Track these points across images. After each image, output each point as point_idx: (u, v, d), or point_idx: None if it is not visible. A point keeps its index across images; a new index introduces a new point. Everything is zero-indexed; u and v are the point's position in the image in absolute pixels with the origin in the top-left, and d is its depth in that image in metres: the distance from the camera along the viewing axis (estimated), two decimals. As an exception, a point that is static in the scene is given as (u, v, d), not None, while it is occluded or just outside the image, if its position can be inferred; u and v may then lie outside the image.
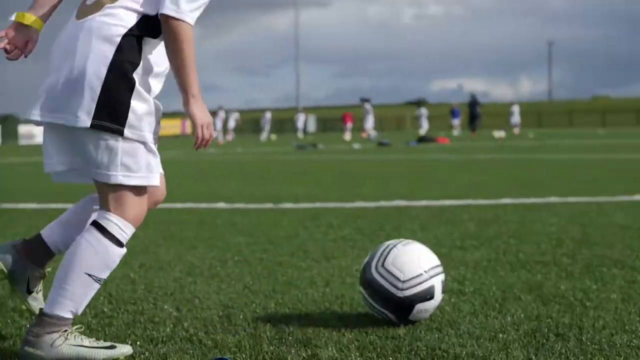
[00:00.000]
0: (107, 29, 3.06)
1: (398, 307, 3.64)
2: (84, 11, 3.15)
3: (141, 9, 3.10)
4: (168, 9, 3.03)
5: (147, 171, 3.13)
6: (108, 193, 3.15)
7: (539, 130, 64.73)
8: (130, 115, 3.05)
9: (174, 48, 3.06)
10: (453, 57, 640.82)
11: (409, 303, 3.62)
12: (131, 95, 3.06)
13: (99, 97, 3.00)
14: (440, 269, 3.77)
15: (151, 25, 3.12)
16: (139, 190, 3.18)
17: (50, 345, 3.13)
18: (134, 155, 3.09)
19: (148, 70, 3.16)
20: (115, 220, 3.14)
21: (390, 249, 3.71)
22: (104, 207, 3.17)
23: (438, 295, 3.69)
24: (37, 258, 3.41)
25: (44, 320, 3.15)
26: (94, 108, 3.00)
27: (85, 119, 3.01)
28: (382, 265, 3.67)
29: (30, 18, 3.28)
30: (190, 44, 3.07)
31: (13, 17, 3.27)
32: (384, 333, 3.63)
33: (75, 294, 3.13)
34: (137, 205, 3.19)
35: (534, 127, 76.47)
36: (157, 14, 3.08)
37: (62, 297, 3.13)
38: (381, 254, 3.72)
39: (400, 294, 3.61)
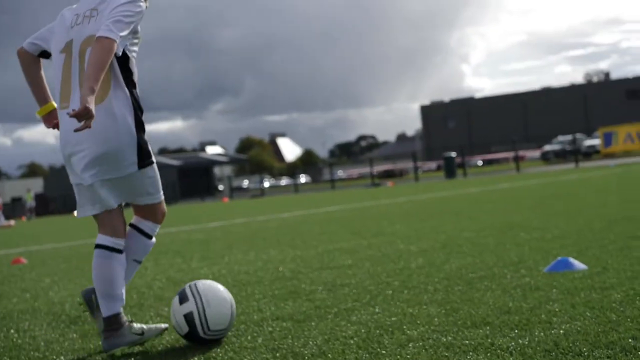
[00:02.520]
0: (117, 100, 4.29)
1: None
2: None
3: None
4: (104, 33, 4.11)
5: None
6: (148, 208, 4.57)
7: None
8: (151, 149, 4.39)
9: (96, 55, 4.03)
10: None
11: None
12: (144, 133, 4.36)
13: (137, 148, 4.30)
14: (230, 300, 4.54)
15: (129, 71, 4.36)
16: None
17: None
18: (155, 177, 4.49)
19: (142, 110, 4.40)
20: (154, 226, 4.67)
21: (203, 317, 4.38)
22: (146, 217, 4.60)
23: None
24: None
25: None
26: (137, 157, 4.31)
27: (134, 166, 4.33)
28: (209, 329, 4.39)
29: (46, 109, 4.67)
30: (108, 54, 4.07)
31: (39, 117, 4.65)
32: None
33: (131, 272, 4.60)
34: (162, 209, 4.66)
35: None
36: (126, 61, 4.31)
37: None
38: (198, 325, 4.38)
39: (227, 331, 4.52)
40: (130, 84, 4.35)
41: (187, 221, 20.50)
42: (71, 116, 3.88)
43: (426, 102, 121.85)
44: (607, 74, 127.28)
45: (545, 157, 62.57)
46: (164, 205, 4.66)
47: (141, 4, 4.31)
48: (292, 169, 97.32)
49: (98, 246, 4.44)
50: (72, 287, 7.94)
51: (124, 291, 4.42)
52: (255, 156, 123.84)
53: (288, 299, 5.81)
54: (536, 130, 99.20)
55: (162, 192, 4.58)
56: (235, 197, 57.56)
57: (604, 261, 6.20)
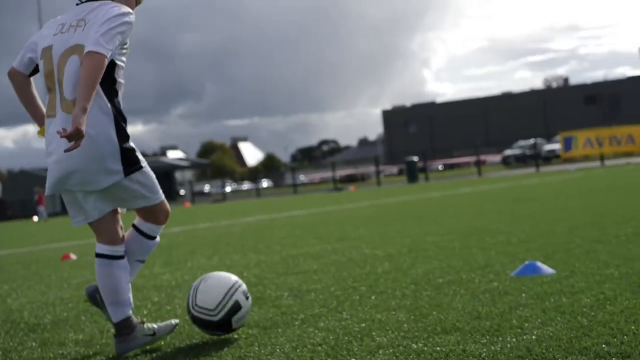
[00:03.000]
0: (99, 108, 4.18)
1: (220, 326, 4.54)
2: (68, 105, 4.18)
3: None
4: (94, 47, 4.04)
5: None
6: (147, 209, 4.49)
7: None
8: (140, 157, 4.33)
9: (87, 70, 3.97)
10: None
11: (227, 320, 4.53)
12: (129, 140, 4.28)
13: (121, 156, 4.22)
14: (237, 284, 4.63)
15: (113, 80, 4.27)
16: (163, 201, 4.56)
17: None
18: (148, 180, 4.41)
19: (126, 119, 4.33)
20: (152, 227, 4.58)
21: (196, 290, 4.61)
22: (147, 219, 4.55)
23: (245, 303, 4.60)
24: None
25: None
26: (121, 165, 4.23)
27: (119, 174, 4.24)
28: (196, 304, 4.56)
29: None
30: (99, 69, 4.00)
31: (41, 137, 4.47)
32: None
33: (134, 271, 4.62)
34: (162, 205, 4.55)
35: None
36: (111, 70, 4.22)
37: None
38: (190, 296, 4.63)
39: (216, 318, 4.52)
40: (112, 92, 4.26)
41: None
42: (62, 136, 3.83)
43: (388, 106, 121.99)
44: (566, 80, 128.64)
45: (506, 162, 63.04)
46: (166, 205, 4.58)
47: (131, 16, 4.24)
48: (254, 174, 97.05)
49: (98, 255, 4.42)
50: (31, 294, 7.76)
51: (130, 295, 4.41)
52: (216, 161, 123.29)
53: (253, 305, 5.69)
54: (497, 134, 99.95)
55: (160, 194, 4.50)
56: (196, 202, 57.22)
57: (571, 265, 6.18)
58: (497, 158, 70.08)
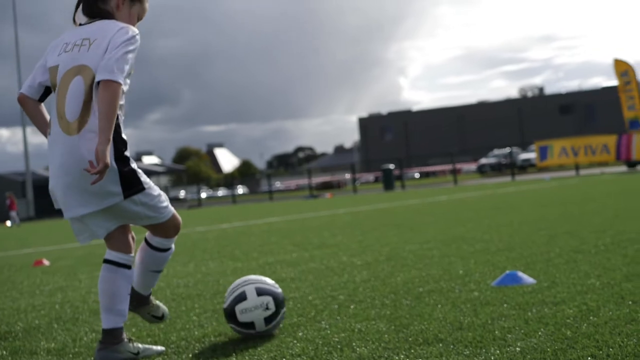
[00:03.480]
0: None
1: (229, 316, 4.67)
2: (67, 125, 4.14)
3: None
4: (110, 76, 4.00)
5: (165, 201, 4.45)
6: (156, 226, 4.47)
7: None
8: (142, 178, 4.24)
9: (105, 102, 3.96)
10: None
11: (232, 309, 4.65)
12: (129, 163, 4.17)
13: (120, 179, 4.12)
14: (255, 280, 4.76)
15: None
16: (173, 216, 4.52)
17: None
18: (151, 199, 4.32)
19: (126, 142, 4.22)
20: (163, 241, 4.59)
21: None
22: (155, 234, 4.55)
23: (253, 297, 4.64)
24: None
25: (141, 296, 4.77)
26: (120, 188, 4.13)
27: (119, 197, 4.16)
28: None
29: None
30: (116, 98, 3.99)
31: None
32: None
33: (146, 281, 4.67)
34: (172, 219, 4.51)
35: None
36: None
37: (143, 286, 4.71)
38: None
39: (225, 305, 4.74)
40: None
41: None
42: (92, 173, 3.90)
43: (364, 114, 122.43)
44: (541, 89, 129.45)
45: (482, 170, 63.27)
46: (175, 219, 4.52)
47: (138, 37, 4.18)
48: (230, 180, 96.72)
49: (105, 261, 4.38)
50: (2, 300, 7.60)
51: (127, 307, 4.36)
52: (192, 166, 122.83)
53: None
54: (472, 143, 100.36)
55: (167, 210, 4.42)
56: (172, 208, 56.79)
57: (552, 275, 6.12)
58: (472, 166, 70.34)
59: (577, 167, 41.81)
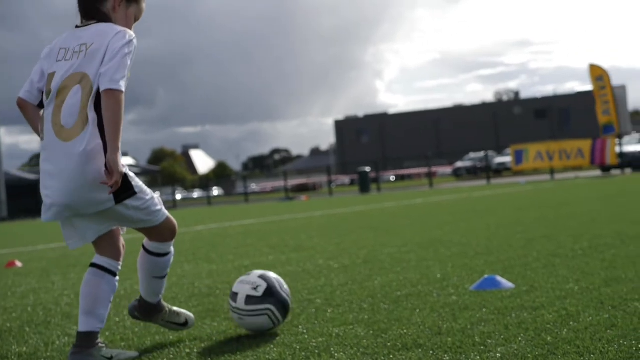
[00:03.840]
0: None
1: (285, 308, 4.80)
2: (61, 131, 4.09)
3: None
4: (112, 85, 3.97)
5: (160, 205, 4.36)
6: (151, 229, 4.38)
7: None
8: (133, 182, 4.14)
9: (111, 112, 3.94)
10: None
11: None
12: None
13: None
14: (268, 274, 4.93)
15: None
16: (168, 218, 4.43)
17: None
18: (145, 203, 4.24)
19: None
20: (160, 246, 4.50)
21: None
22: (152, 238, 4.47)
23: (254, 275, 4.92)
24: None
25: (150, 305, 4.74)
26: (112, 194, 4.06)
27: (110, 202, 4.09)
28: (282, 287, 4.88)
29: None
30: (120, 107, 3.98)
31: None
32: None
33: (155, 287, 4.62)
34: (166, 221, 4.42)
35: None
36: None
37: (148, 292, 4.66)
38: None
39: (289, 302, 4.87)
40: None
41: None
42: (109, 185, 3.92)
43: (340, 117, 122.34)
44: (516, 93, 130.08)
45: (457, 173, 63.45)
46: (170, 222, 4.44)
47: (134, 41, 4.13)
48: (205, 182, 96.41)
49: (93, 265, 4.32)
50: (-27, 302, 7.46)
51: (106, 314, 4.27)
52: (167, 168, 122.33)
53: (206, 317, 5.51)
54: (448, 146, 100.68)
55: (161, 213, 4.34)
56: (146, 209, 56.44)
57: (530, 279, 6.09)
58: (448, 170, 70.52)
59: (552, 171, 42.00)
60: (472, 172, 61.74)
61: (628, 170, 40.21)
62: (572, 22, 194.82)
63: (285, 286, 4.88)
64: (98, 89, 4.03)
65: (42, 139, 4.22)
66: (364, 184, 45.77)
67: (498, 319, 4.62)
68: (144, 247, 4.53)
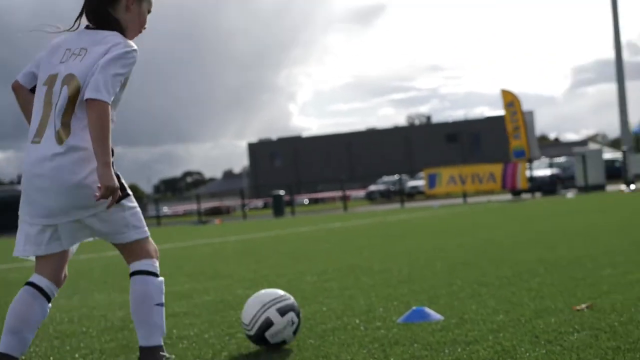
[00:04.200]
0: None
1: (256, 340, 4.91)
2: (46, 135, 4.01)
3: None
4: (96, 95, 3.84)
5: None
6: (137, 245, 4.16)
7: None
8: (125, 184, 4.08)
9: (98, 123, 3.84)
10: None
11: (260, 335, 4.88)
12: (114, 168, 3.95)
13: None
14: (275, 300, 4.94)
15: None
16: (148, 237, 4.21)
17: None
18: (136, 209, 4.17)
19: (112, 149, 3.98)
20: (151, 262, 4.19)
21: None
22: (140, 257, 4.18)
23: (278, 319, 4.86)
24: None
25: (150, 351, 4.12)
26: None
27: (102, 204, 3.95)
28: (241, 321, 5.06)
29: None
30: (107, 118, 3.86)
31: None
32: None
33: (157, 323, 4.13)
34: (150, 241, 4.23)
35: None
36: None
37: (151, 330, 4.11)
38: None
39: (252, 332, 4.92)
40: None
41: (2, 259, 19.13)
42: (97, 199, 3.85)
43: (254, 139, 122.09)
44: (428, 118, 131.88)
45: (371, 197, 63.76)
46: (150, 238, 4.27)
47: (135, 53, 4.03)
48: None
49: (30, 283, 4.10)
50: None
51: (30, 339, 4.05)
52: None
53: (120, 354, 5.17)
54: (361, 170, 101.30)
55: (147, 228, 4.22)
56: (55, 233, 55.02)
57: (459, 310, 5.91)
58: (361, 193, 70.81)
59: (464, 195, 42.49)
60: (386, 196, 62.12)
61: (538, 194, 40.95)
62: (481, 48, 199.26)
63: (278, 291, 5.10)
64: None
65: (31, 139, 4.10)
66: (278, 208, 45.51)
67: (432, 355, 4.41)
68: (136, 272, 4.19)
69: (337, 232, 20.41)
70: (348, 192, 61.42)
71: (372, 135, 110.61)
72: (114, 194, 3.84)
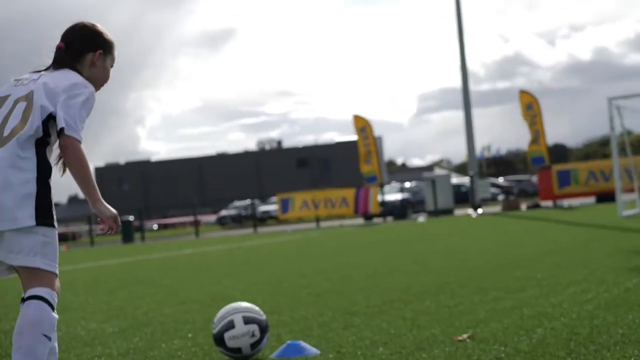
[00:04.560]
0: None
1: (217, 341, 5.29)
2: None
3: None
4: (69, 131, 3.86)
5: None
6: (43, 275, 3.87)
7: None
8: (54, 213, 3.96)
9: (79, 165, 3.91)
10: None
11: (220, 335, 5.26)
12: (50, 196, 3.94)
13: (35, 202, 3.83)
14: (244, 310, 5.30)
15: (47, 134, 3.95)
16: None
17: None
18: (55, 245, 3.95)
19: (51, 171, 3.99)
20: (53, 295, 3.88)
21: None
22: (42, 285, 3.86)
23: (240, 325, 5.20)
24: None
25: None
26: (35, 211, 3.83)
27: (29, 220, 3.81)
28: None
29: None
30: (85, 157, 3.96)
31: None
32: None
33: (38, 355, 3.73)
34: (58, 280, 3.99)
35: None
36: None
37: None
38: None
39: (214, 331, 5.32)
40: (42, 144, 3.95)
41: None
42: (104, 233, 4.02)
43: (101, 164, 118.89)
44: (279, 142, 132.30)
45: (222, 222, 63.09)
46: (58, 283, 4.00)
47: (94, 96, 4.07)
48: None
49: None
50: None
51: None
52: None
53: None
54: (212, 194, 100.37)
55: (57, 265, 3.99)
56: None
57: (335, 343, 5.59)
58: (212, 218, 70.02)
59: (317, 220, 42.54)
60: (237, 221, 61.61)
61: (389, 219, 41.46)
62: (330, 75, 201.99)
63: (254, 307, 5.44)
64: (47, 118, 3.91)
65: None
66: (127, 234, 44.26)
67: (314, 396, 4.05)
68: (34, 297, 3.83)
69: (191, 258, 19.80)
70: (199, 217, 60.56)
71: (222, 160, 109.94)
72: (117, 220, 3.99)
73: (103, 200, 3.95)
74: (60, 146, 3.89)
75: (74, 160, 3.89)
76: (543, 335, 5.21)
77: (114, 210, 3.95)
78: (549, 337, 5.13)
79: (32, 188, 3.84)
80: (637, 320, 5.47)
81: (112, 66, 4.34)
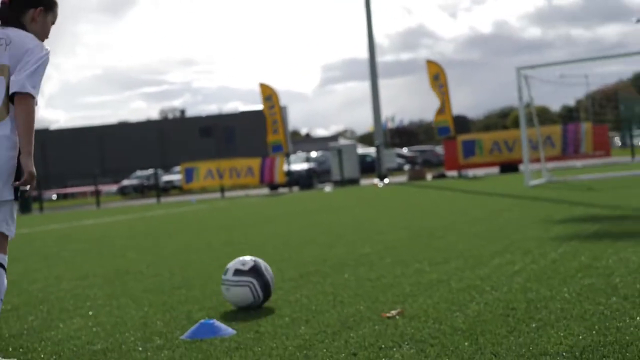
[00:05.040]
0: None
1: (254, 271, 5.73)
2: None
3: None
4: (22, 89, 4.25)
5: None
6: (4, 241, 4.35)
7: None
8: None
9: (30, 118, 4.34)
10: None
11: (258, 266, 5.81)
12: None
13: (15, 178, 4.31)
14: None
15: None
16: None
17: None
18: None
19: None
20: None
21: None
22: (3, 251, 4.33)
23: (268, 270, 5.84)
24: None
25: None
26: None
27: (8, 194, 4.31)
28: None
29: None
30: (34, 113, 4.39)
31: None
32: None
33: None
34: None
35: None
36: None
37: None
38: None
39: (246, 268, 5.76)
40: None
41: None
42: (18, 185, 4.22)
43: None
44: (182, 112, 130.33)
45: (124, 192, 61.79)
46: None
47: (49, 55, 4.37)
48: None
49: None
50: None
51: None
52: None
53: None
54: (113, 164, 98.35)
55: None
56: None
57: (251, 321, 5.14)
58: (113, 188, 68.51)
59: (222, 189, 41.86)
60: (140, 191, 60.40)
61: (295, 188, 41.09)
62: (233, 43, 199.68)
63: (270, 271, 5.74)
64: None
65: None
66: (24, 204, 42.75)
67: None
68: None
69: (92, 229, 19.01)
70: (100, 187, 59.10)
71: (124, 129, 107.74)
72: (34, 179, 4.24)
73: (32, 156, 4.26)
74: (16, 99, 4.21)
75: (19, 113, 4.23)
76: (478, 311, 4.85)
77: (33, 170, 4.25)
78: (485, 313, 4.78)
79: (15, 165, 4.29)
80: (574, 293, 5.17)
81: (53, 23, 4.59)
